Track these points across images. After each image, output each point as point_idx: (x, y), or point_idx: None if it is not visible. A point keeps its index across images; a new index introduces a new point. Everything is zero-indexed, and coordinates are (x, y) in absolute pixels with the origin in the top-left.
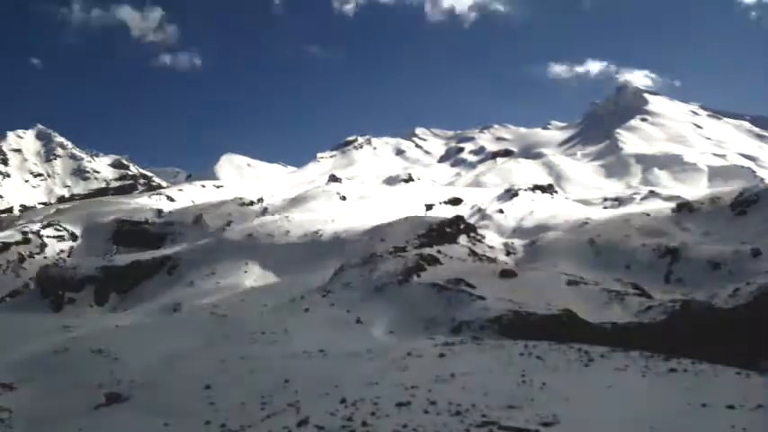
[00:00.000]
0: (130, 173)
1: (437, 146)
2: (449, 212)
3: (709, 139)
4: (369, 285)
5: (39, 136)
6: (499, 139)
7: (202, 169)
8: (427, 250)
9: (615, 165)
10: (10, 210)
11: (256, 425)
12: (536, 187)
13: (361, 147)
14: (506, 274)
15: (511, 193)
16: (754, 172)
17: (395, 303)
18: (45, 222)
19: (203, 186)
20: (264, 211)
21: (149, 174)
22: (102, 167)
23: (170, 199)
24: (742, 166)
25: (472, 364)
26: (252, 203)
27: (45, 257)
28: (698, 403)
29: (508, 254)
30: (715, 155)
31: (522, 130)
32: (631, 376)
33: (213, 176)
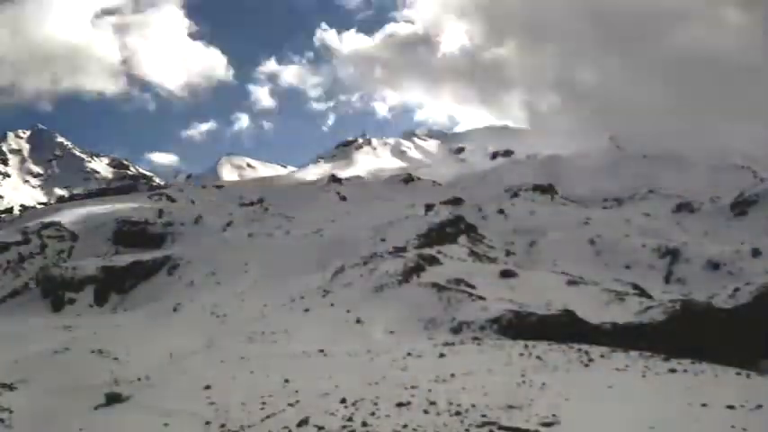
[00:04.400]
0: (130, 173)
1: (437, 146)
2: (449, 213)
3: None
4: (369, 285)
5: (38, 136)
6: (499, 139)
7: (202, 169)
8: (427, 250)
9: (615, 164)
10: (10, 210)
11: (256, 425)
12: (536, 187)
13: (361, 147)
14: (506, 274)
15: (511, 194)
16: (754, 172)
17: (395, 303)
18: (45, 222)
19: (203, 186)
20: (265, 212)
21: (149, 174)
22: (102, 167)
23: (170, 199)
24: (742, 166)
25: (472, 364)
26: (252, 204)
27: (45, 257)
28: (698, 403)
29: (508, 254)
30: (715, 155)
31: (523, 129)
32: (631, 376)
33: (213, 177)
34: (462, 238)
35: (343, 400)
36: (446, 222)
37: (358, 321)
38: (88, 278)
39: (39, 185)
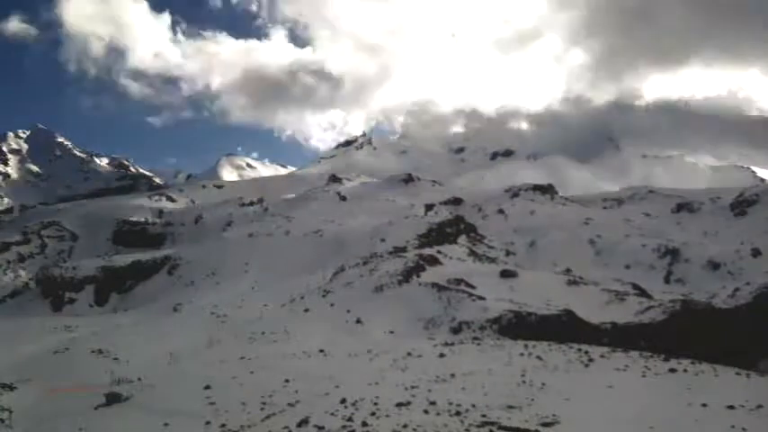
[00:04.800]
0: (130, 173)
1: (438, 146)
2: (449, 213)
3: (708, 139)
4: (369, 285)
5: (38, 136)
6: (499, 139)
7: (203, 169)
8: (427, 250)
9: (615, 164)
10: (10, 210)
11: (256, 425)
12: (536, 187)
13: (362, 147)
14: (506, 274)
15: (511, 194)
16: (754, 172)
17: (395, 303)
18: (45, 222)
19: (203, 186)
20: (265, 212)
21: (149, 174)
22: (102, 167)
23: (170, 199)
24: (742, 166)
25: (472, 364)
26: (252, 204)
27: (45, 257)
28: (698, 403)
29: (508, 254)
30: (715, 156)
31: (522, 130)
32: (631, 376)
33: (213, 177)
34: (462, 238)
35: (343, 401)
36: (446, 222)
37: (358, 321)
38: (88, 278)
39: (39, 185)
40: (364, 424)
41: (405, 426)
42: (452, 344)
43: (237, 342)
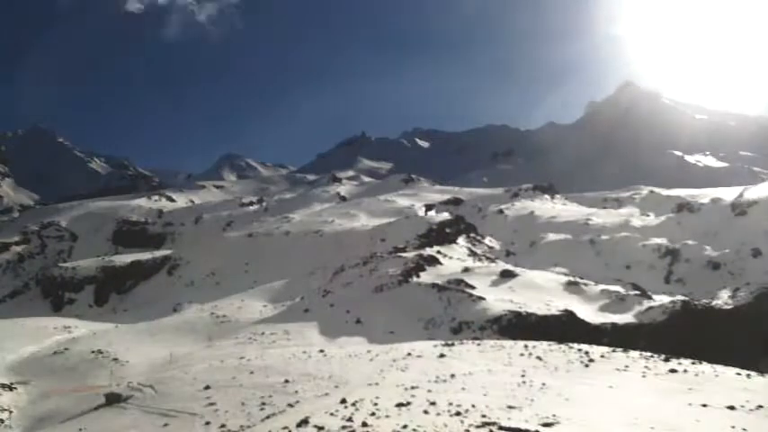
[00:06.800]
0: (130, 173)
1: (437, 146)
2: (449, 213)
3: (710, 139)
4: (369, 285)
5: (38, 136)
6: (499, 139)
7: (203, 169)
8: (427, 250)
9: (615, 164)
10: (10, 210)
11: (256, 425)
12: (536, 187)
13: (361, 147)
14: (506, 274)
15: (511, 194)
16: (755, 173)
17: (395, 303)
18: (45, 222)
19: (203, 186)
20: (265, 212)
21: (149, 174)
22: (102, 167)
23: (170, 199)
24: (742, 166)
25: (472, 364)
26: (252, 203)
27: (45, 257)
28: (698, 403)
29: (508, 254)
30: (716, 156)
31: (522, 129)
32: (631, 376)
33: (213, 177)
34: (462, 239)
35: (343, 401)
36: (446, 222)
37: (358, 321)
38: (88, 278)
39: (38, 185)
40: (364, 424)
41: (405, 426)
42: (452, 344)
43: (237, 342)
